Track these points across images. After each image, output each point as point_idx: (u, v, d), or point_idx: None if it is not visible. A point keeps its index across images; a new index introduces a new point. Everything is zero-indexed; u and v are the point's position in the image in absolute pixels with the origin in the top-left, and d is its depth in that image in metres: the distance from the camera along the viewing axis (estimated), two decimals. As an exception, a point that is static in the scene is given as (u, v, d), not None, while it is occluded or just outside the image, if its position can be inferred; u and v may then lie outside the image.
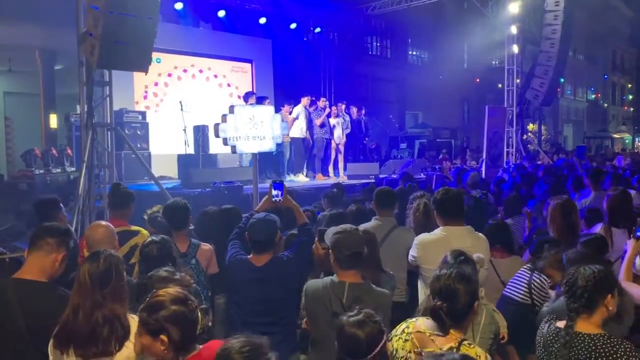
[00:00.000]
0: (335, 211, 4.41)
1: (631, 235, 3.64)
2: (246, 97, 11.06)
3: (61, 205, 4.56)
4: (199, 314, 2.23)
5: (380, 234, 4.18)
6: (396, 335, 2.49)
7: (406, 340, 2.43)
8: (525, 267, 3.88)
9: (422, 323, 2.44)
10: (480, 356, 2.29)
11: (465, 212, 3.89)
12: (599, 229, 4.54)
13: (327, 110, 12.24)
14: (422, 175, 12.26)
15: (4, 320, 2.66)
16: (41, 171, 10.09)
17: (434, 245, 3.62)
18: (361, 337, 2.17)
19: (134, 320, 2.54)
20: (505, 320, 3.33)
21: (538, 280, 3.69)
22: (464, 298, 2.36)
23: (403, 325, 2.52)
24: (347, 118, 12.94)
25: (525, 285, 3.73)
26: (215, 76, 14.97)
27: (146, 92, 13.49)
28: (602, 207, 4.82)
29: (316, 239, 3.34)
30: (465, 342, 2.33)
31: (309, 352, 3.24)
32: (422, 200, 4.62)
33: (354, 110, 13.64)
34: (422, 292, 3.67)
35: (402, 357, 2.42)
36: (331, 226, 3.44)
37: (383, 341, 2.22)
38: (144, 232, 4.22)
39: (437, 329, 2.37)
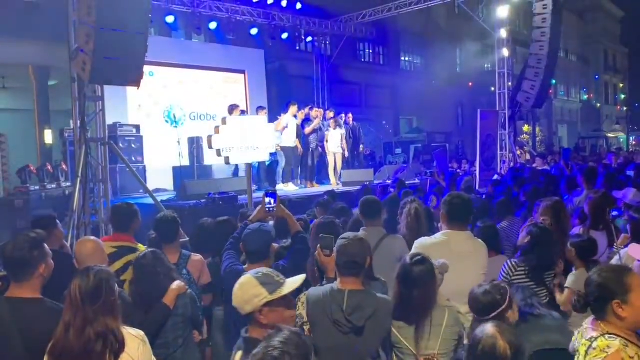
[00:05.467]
0: (326, 219, 4.43)
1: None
2: (230, 109, 11.06)
3: (57, 221, 4.56)
4: None
5: (371, 244, 4.20)
6: None
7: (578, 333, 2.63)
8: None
9: (587, 318, 2.63)
10: (611, 348, 2.35)
11: (471, 218, 3.96)
12: (578, 231, 4.59)
13: (319, 120, 12.28)
14: (417, 181, 12.32)
15: (1, 340, 2.67)
16: (36, 187, 10.09)
17: (434, 249, 3.64)
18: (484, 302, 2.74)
19: (128, 334, 2.57)
20: None
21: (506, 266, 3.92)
22: (594, 289, 2.51)
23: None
24: (343, 125, 13.00)
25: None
26: (208, 90, 15.01)
27: (141, 105, 13.53)
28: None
29: (319, 245, 3.37)
30: (606, 335, 2.41)
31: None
32: (412, 205, 4.65)
33: (350, 117, 13.75)
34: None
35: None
36: (320, 234, 3.47)
37: (501, 308, 2.70)
38: (143, 249, 4.22)
39: (591, 323, 2.53)
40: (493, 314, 2.71)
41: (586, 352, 2.40)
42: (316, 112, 12.53)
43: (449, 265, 3.28)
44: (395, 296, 3.07)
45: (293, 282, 2.45)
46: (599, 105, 48.96)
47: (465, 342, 3.03)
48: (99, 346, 2.42)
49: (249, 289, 2.36)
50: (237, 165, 10.82)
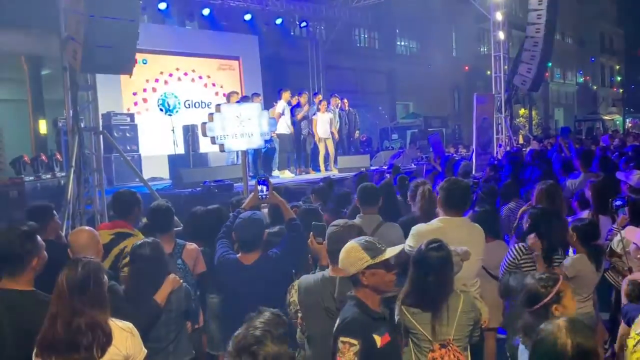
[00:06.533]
0: (307, 206, 4.44)
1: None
2: (228, 96, 11.02)
3: (54, 211, 4.52)
4: None
5: (367, 231, 4.19)
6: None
7: None
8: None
9: None
10: None
11: (469, 204, 3.94)
12: (585, 215, 4.58)
13: (307, 107, 12.20)
14: (413, 166, 12.30)
15: None
16: (31, 178, 10.04)
17: (430, 235, 3.62)
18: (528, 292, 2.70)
19: (116, 326, 2.56)
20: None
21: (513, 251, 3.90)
22: None
23: None
24: (337, 111, 12.92)
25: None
26: (200, 77, 14.95)
27: (135, 93, 13.45)
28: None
29: (312, 233, 3.36)
30: None
31: (303, 348, 3.25)
32: (425, 187, 4.64)
33: (345, 102, 13.66)
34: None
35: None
36: (304, 221, 3.45)
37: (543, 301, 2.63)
38: (140, 235, 4.14)
39: None
40: (536, 307, 2.64)
41: (634, 346, 2.30)
42: (305, 99, 12.41)
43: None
44: (409, 282, 3.05)
45: (393, 249, 2.69)
46: (595, 87, 48.86)
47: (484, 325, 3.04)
48: (86, 338, 2.40)
49: (352, 253, 2.61)
50: (237, 153, 10.79)
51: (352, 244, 2.63)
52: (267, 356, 1.90)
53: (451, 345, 2.89)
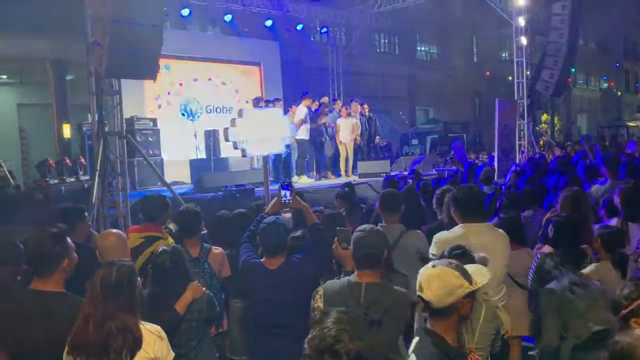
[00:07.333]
0: (330, 211, 4.42)
1: None
2: (256, 101, 11.15)
3: (85, 213, 4.55)
4: None
5: (389, 241, 4.14)
6: None
7: None
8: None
9: None
10: None
11: (485, 210, 3.88)
12: (614, 222, 4.48)
13: (326, 112, 12.18)
14: (434, 172, 12.22)
15: (24, 332, 2.68)
16: (56, 181, 10.20)
17: (453, 242, 3.57)
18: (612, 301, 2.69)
19: (145, 330, 2.57)
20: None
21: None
22: None
23: None
24: (358, 116, 12.90)
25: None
26: (224, 83, 15.08)
27: (158, 97, 13.61)
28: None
29: (336, 238, 3.34)
30: None
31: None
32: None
33: (366, 108, 13.63)
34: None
35: None
36: (328, 226, 3.42)
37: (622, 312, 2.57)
38: (169, 239, 4.18)
39: None
40: (618, 316, 2.59)
41: None
42: (325, 112, 12.41)
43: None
44: None
45: (483, 275, 2.39)
46: (619, 93, 48.06)
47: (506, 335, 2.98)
48: (116, 342, 2.42)
49: (450, 280, 2.27)
50: (258, 158, 10.89)
51: (444, 270, 2.29)
52: (349, 352, 1.88)
53: (473, 354, 2.84)
